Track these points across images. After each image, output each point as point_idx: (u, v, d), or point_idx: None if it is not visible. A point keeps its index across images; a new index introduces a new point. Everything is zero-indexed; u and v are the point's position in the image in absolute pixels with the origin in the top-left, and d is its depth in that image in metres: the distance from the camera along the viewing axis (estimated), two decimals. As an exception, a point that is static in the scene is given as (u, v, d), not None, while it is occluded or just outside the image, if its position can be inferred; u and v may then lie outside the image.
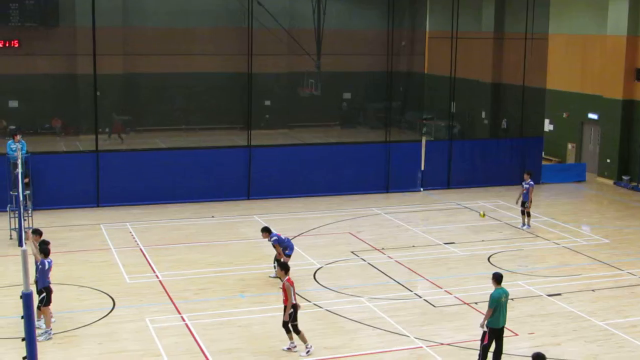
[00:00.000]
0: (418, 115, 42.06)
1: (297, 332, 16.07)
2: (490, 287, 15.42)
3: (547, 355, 12.94)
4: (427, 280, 21.01)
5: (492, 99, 39.47)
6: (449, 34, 34.37)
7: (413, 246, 24.15)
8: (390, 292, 19.92)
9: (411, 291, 20.08)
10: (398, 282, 20.69)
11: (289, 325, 16.04)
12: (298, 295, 19.26)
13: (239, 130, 34.67)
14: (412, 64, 43.06)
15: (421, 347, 16.61)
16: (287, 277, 16.04)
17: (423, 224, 26.91)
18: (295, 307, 16.02)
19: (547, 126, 38.43)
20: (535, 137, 34.82)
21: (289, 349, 16.22)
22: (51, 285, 16.99)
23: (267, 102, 40.99)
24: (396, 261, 22.53)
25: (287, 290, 15.91)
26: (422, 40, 42.92)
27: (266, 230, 20.33)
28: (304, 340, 16.11)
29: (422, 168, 32.39)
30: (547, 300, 19.49)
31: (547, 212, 28.81)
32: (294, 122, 40.13)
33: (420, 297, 19.70)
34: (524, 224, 26.39)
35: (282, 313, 16.15)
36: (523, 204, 26.45)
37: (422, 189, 32.22)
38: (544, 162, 35.54)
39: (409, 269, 21.90)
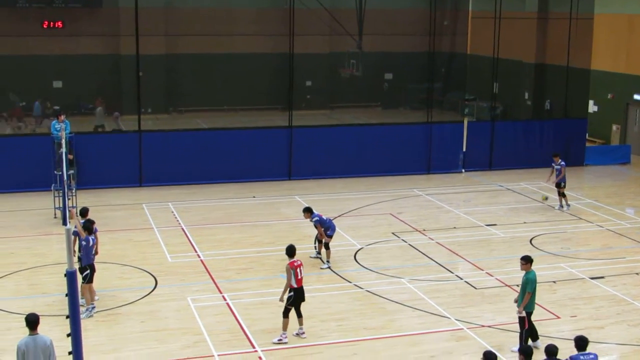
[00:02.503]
0: (460, 96, 41.71)
1: (285, 316, 15.88)
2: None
3: (589, 339, 12.80)
4: (468, 261, 20.90)
5: (535, 79, 38.95)
6: (492, 14, 33.96)
7: (454, 228, 24.02)
8: (431, 274, 19.86)
9: (452, 273, 20.00)
10: (439, 264, 20.62)
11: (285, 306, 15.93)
12: (339, 275, 19.37)
13: (280, 111, 34.69)
14: (454, 44, 42.65)
15: (462, 328, 16.55)
16: (290, 261, 15.96)
17: (464, 206, 26.73)
18: (296, 291, 15.86)
19: (592, 107, 37.87)
20: (579, 118, 34.35)
21: (297, 334, 16.20)
22: (95, 263, 17.22)
23: (308, 83, 40.89)
24: (437, 242, 22.44)
25: (287, 273, 15.85)
26: (464, 20, 42.51)
27: (308, 211, 20.34)
28: (284, 327, 15.88)
29: (464, 149, 32.16)
30: (590, 283, 19.28)
31: (590, 194, 28.47)
32: (335, 102, 40.01)
33: (461, 278, 19.61)
34: (561, 205, 26.10)
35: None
36: (558, 185, 26.14)
37: (463, 170, 32.01)
38: (587, 144, 35.07)
39: (450, 250, 21.80)
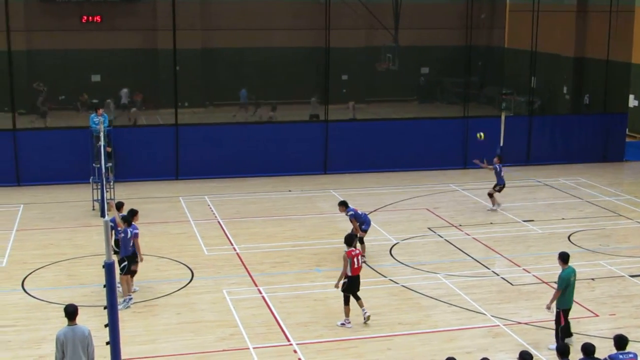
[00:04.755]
0: (497, 90, 41.41)
1: (345, 303, 16.24)
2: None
3: (629, 338, 12.63)
4: (505, 257, 20.75)
5: (574, 73, 38.54)
6: (530, 7, 33.62)
7: (491, 223, 23.86)
8: (467, 269, 19.75)
9: (488, 269, 19.87)
10: (475, 259, 20.49)
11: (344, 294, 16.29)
12: (374, 270, 19.34)
13: (316, 105, 34.68)
14: (491, 38, 42.37)
15: (498, 325, 16.43)
16: (348, 249, 16.13)
17: (501, 201, 26.51)
18: (350, 279, 16.13)
19: (632, 102, 37.35)
20: (619, 113, 33.91)
21: (342, 324, 16.39)
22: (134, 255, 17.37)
23: (344, 77, 40.87)
24: (473, 238, 22.30)
25: (344, 261, 16.13)
26: (502, 13, 42.20)
27: (343, 204, 20.32)
28: (346, 313, 16.25)
29: (501, 144, 31.89)
30: (630, 281, 19.04)
31: (630, 191, 28.11)
32: (371, 96, 39.95)
33: (498, 274, 19.47)
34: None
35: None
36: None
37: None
38: (627, 139, 34.60)
39: (487, 246, 21.66)
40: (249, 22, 37.43)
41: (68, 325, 12.02)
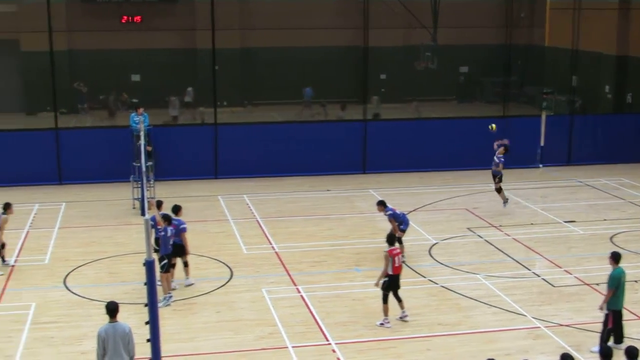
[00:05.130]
0: (537, 89, 41.04)
1: (384, 302, 16.20)
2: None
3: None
4: (545, 259, 20.53)
5: (616, 72, 38.03)
6: (571, 5, 33.26)
7: (531, 224, 23.64)
8: (507, 270, 19.58)
9: (529, 270, 19.67)
10: (515, 260, 20.31)
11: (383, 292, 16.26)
12: (413, 270, 19.25)
13: (355, 104, 34.69)
14: (531, 36, 42.02)
15: (539, 327, 16.26)
16: (389, 248, 16.09)
17: (542, 201, 26.28)
18: (391, 278, 16.12)
19: (676, 100, 36.79)
20: (663, 111, 33.44)
21: (399, 318, 16.31)
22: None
23: (383, 76, 40.80)
24: (514, 239, 22.11)
25: (385, 260, 16.11)
26: (542, 11, 41.80)
27: (381, 204, 20.25)
28: (385, 312, 16.21)
29: (542, 144, 31.58)
30: (673, 283, 18.76)
31: (673, 191, 27.71)
32: (410, 95, 39.80)
33: (539, 276, 19.27)
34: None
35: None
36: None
37: (541, 165, 31.46)
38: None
39: (527, 246, 21.46)
40: (287, 21, 37.51)
41: (109, 322, 12.13)
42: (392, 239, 16.47)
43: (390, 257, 16.07)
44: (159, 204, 18.63)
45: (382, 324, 16.22)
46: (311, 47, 39.27)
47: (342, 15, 38.62)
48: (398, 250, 16.42)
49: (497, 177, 24.70)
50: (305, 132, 30.15)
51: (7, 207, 19.50)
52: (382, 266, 16.26)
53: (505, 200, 24.79)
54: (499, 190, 24.82)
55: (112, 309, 12.20)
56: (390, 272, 16.10)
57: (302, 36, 38.18)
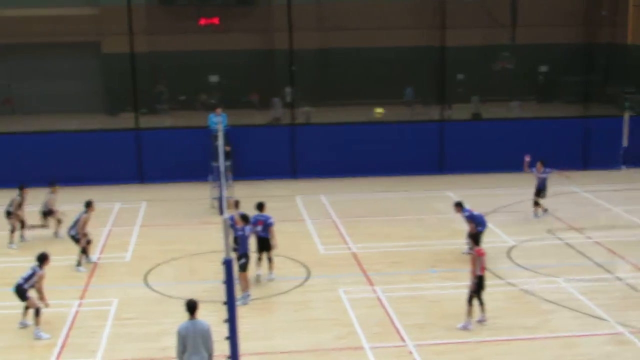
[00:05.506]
0: (620, 89, 40.05)
1: (469, 303, 15.94)
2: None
3: None
4: (629, 262, 20.03)
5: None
6: (655, 3, 32.41)
7: (613, 227, 23.09)
8: (589, 274, 19.16)
9: (611, 273, 19.22)
10: (597, 264, 19.87)
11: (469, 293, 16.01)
12: (492, 272, 18.99)
13: (432, 105, 34.45)
14: (613, 35, 41.02)
15: (622, 332, 15.87)
16: (476, 248, 15.87)
17: (625, 204, 25.64)
18: (480, 279, 15.85)
19: None
20: None
21: (479, 320, 16.16)
22: (249, 252, 17.63)
23: (460, 76, 40.40)
24: (595, 242, 21.64)
25: (473, 260, 15.85)
26: (624, 9, 40.77)
27: (459, 205, 20.08)
28: (468, 313, 15.94)
29: (624, 144, 30.81)
30: None
31: None
32: (488, 96, 39.31)
33: (622, 280, 18.81)
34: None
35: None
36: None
37: (623, 167, 30.71)
38: None
39: (610, 250, 20.97)
40: (364, 21, 37.49)
41: (189, 319, 12.31)
42: (477, 238, 16.24)
43: (478, 257, 15.84)
44: (237, 204, 18.84)
45: (464, 326, 15.99)
46: (388, 47, 39.11)
47: (418, 15, 38.37)
48: (484, 251, 16.14)
49: (542, 191, 24.05)
50: (383, 133, 30.05)
51: (88, 205, 19.98)
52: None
53: (544, 210, 24.17)
54: (536, 203, 24.16)
55: (191, 307, 12.37)
56: (478, 273, 15.86)
57: (379, 36, 38.07)
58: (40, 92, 38.36)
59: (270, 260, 18.88)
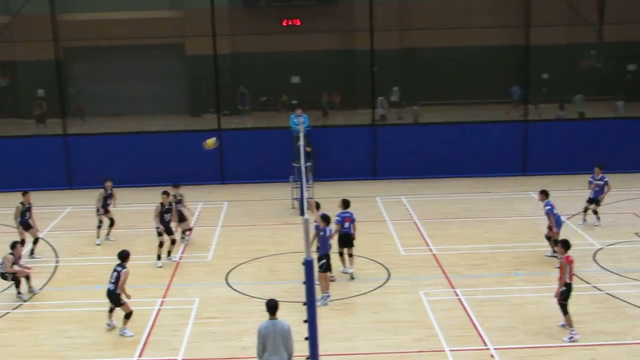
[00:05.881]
0: None
1: (565, 312, 15.48)
2: None
3: None
4: None
5: None
6: None
7: None
8: (679, 278, 18.57)
9: None
10: (688, 268, 19.25)
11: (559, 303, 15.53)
12: (576, 276, 18.53)
13: (514, 105, 33.89)
14: None
15: None
16: (565, 255, 15.46)
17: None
18: (568, 286, 15.40)
19: None
20: None
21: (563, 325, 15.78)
22: (330, 253, 17.62)
23: (545, 76, 39.64)
24: (686, 245, 20.97)
25: (563, 268, 15.38)
26: None
27: (544, 193, 19.90)
28: (570, 323, 15.48)
29: None
30: None
31: None
32: (574, 95, 38.46)
33: None
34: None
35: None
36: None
37: None
38: None
39: (701, 254, 20.29)
40: (446, 21, 37.08)
41: (269, 319, 12.35)
42: (567, 244, 15.70)
43: (567, 264, 15.39)
44: (317, 205, 18.87)
45: (571, 337, 15.41)
46: (471, 47, 38.63)
47: (502, 14, 37.79)
48: (572, 258, 15.65)
49: (596, 200, 22.96)
50: (464, 133, 29.71)
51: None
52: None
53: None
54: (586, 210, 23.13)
55: (272, 307, 12.42)
56: (567, 280, 15.39)
57: (462, 35, 37.63)
58: (126, 94, 39.18)
59: (351, 255, 18.98)
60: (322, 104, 38.01)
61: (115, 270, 16.02)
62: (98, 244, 22.15)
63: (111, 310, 16.21)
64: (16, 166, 28.31)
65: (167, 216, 20.44)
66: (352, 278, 18.88)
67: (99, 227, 22.32)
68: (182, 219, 21.52)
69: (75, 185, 28.98)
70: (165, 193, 20.56)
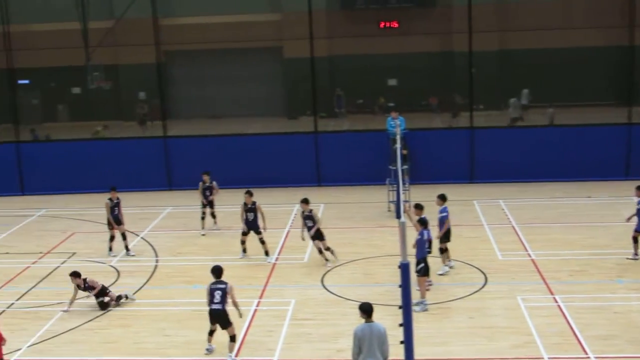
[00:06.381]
0: None
1: None
2: None
3: None
4: None
5: None
6: None
7: None
8: None
9: None
10: None
11: None
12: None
13: (615, 107, 32.92)
14: None
15: None
16: None
17: None
18: None
19: None
20: None
21: None
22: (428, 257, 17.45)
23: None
24: None
25: None
26: None
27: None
28: None
29: None
30: None
31: None
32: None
33: None
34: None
35: None
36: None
37: None
38: None
39: None
40: (545, 21, 36.32)
41: (366, 322, 12.31)
42: None
43: None
44: (421, 208, 18.57)
45: None
46: (572, 48, 37.72)
47: (605, 14, 36.77)
48: None
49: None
50: (564, 136, 29.03)
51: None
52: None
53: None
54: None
55: (366, 310, 12.36)
56: None
57: (561, 37, 36.79)
58: (224, 96, 39.80)
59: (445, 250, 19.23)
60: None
61: (218, 290, 14.98)
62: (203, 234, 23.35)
63: (211, 333, 15.42)
64: (119, 167, 29.03)
65: (249, 215, 20.92)
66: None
67: (202, 218, 23.74)
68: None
69: (174, 186, 29.63)
70: (249, 192, 21.05)
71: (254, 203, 20.99)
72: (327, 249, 20.44)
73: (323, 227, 20.58)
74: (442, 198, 19.66)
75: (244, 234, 21.04)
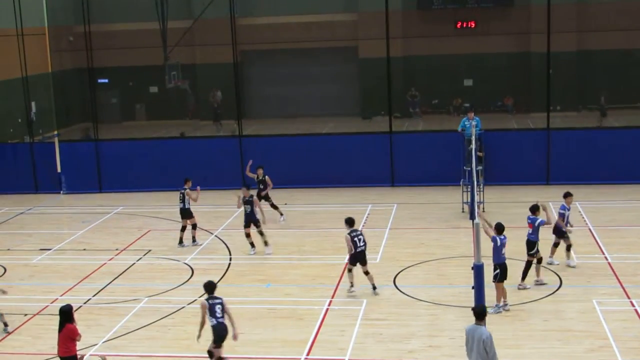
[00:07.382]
0: None
1: None
2: None
3: None
4: None
5: None
6: None
7: None
8: None
9: None
10: None
11: None
12: None
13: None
14: None
15: None
16: None
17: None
18: None
19: None
20: None
21: None
22: (506, 262, 17.19)
23: None
24: None
25: None
26: None
27: None
28: None
29: None
30: None
31: None
32: None
33: None
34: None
35: None
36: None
37: None
38: None
39: None
40: (626, 21, 35.58)
41: (475, 323, 12.43)
42: None
43: None
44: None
45: None
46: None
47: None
48: None
49: None
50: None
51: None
52: None
53: None
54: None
55: (477, 312, 12.42)
56: None
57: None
58: (299, 96, 40.09)
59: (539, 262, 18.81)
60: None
61: (217, 304, 14.38)
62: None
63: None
64: (197, 166, 29.38)
65: (246, 207, 21.86)
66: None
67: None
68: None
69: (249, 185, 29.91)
70: (246, 187, 22.45)
71: (251, 196, 21.97)
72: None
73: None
74: (535, 209, 19.14)
75: (246, 226, 21.84)
